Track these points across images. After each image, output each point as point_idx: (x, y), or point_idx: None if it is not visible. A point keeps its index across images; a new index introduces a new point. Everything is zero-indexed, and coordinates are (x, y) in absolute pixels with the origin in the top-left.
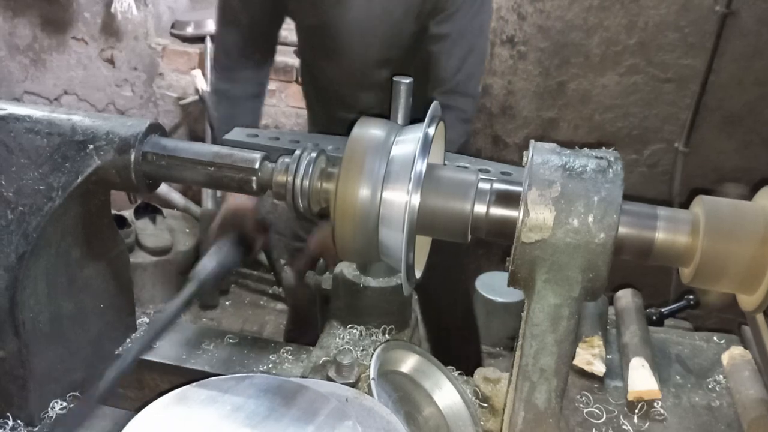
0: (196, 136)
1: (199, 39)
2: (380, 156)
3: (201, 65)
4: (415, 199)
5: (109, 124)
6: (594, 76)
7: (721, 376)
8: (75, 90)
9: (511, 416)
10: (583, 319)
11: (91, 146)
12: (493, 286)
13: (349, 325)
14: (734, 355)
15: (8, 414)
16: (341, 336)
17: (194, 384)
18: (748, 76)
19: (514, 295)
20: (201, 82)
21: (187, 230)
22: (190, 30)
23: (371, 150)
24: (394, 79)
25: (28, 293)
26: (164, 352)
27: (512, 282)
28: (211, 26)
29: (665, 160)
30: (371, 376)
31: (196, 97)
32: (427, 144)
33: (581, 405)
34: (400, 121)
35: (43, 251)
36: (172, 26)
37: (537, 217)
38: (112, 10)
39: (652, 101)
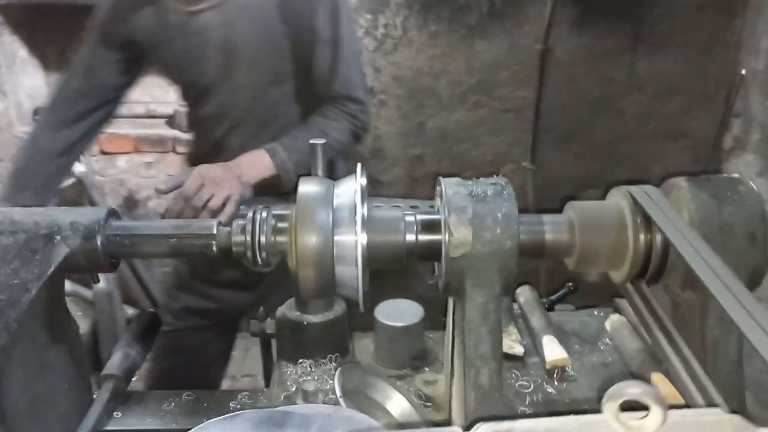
0: None
1: None
2: (326, 207)
3: None
4: (363, 238)
5: (70, 215)
6: (447, 113)
7: (607, 339)
8: None
9: (464, 399)
10: None
11: (58, 237)
12: (389, 313)
13: (299, 361)
14: (614, 321)
15: None
16: (293, 371)
17: (194, 429)
18: (570, 100)
19: (411, 318)
20: (76, 165)
21: (80, 313)
22: None
23: (318, 203)
24: (311, 141)
25: (9, 381)
26: (127, 420)
27: (445, 291)
28: None
29: (517, 177)
30: (338, 395)
31: (73, 179)
32: (364, 193)
33: (512, 380)
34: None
35: (19, 340)
36: (34, 113)
37: (459, 236)
38: None
39: (498, 130)
